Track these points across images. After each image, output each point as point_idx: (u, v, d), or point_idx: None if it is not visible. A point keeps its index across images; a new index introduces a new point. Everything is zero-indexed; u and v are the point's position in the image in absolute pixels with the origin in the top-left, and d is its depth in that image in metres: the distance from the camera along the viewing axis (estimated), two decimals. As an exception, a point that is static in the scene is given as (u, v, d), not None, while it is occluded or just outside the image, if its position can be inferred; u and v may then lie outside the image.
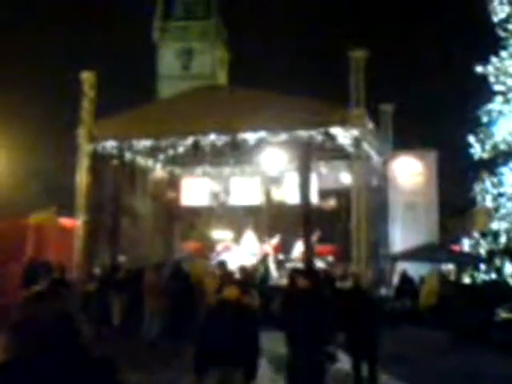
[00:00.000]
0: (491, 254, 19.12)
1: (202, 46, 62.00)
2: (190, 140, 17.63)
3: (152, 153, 19.39)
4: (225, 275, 13.07)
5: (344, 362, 9.68)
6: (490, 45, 20.74)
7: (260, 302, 10.72)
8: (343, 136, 16.79)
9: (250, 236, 21.10)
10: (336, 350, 8.71)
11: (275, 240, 20.65)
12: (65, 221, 20.00)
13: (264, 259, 19.48)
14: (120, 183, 19.77)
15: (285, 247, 20.83)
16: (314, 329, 7.77)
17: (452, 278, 19.94)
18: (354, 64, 16.66)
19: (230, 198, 23.06)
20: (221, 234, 23.15)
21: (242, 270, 13.88)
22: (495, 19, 20.49)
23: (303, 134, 16.92)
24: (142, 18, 65.13)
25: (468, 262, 19.63)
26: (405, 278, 19.13)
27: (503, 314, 15.08)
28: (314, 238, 18.42)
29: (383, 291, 18.45)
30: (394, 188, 22.00)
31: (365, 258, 16.18)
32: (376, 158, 20.11)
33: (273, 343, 9.66)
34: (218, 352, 6.13)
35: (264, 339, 7.26)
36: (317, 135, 16.92)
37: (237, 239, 21.81)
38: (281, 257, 20.40)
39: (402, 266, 19.98)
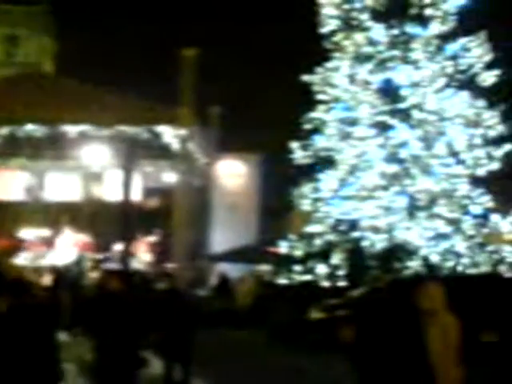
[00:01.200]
0: (306, 256, 19.85)
1: (28, 32, 58.94)
2: (5, 130, 16.56)
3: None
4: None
5: (156, 366, 9.48)
6: (316, 55, 21.50)
7: (71, 304, 10.21)
8: (169, 135, 16.62)
9: (66, 234, 20.15)
10: (149, 353, 8.48)
11: (84, 237, 19.79)
12: None
13: (80, 259, 18.69)
14: None
15: (103, 246, 20.12)
16: (125, 333, 7.47)
17: (268, 278, 20.49)
18: (185, 63, 16.54)
19: (46, 194, 21.90)
20: (33, 232, 21.77)
21: (52, 271, 13.19)
22: (323, 31, 21.29)
23: (128, 130, 16.53)
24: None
25: (284, 263, 20.22)
26: (222, 279, 19.34)
27: (315, 314, 15.65)
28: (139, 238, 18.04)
29: (201, 292, 18.49)
30: (217, 189, 22.23)
31: (184, 258, 16.11)
32: (201, 159, 20.14)
33: (81, 349, 9.23)
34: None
35: (72, 344, 6.85)
36: (142, 132, 16.60)
37: (52, 237, 20.70)
38: (99, 256, 19.67)
39: (220, 266, 20.20)
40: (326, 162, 21.03)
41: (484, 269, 18.60)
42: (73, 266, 18.24)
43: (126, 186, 16.96)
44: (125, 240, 16.89)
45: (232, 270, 19.97)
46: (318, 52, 21.38)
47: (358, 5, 20.92)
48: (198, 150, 18.81)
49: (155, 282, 15.92)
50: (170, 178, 19.77)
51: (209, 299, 18.55)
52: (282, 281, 19.61)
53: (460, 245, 19.17)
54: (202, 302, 17.19)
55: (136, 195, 18.95)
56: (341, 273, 18.80)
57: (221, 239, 21.67)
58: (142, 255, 19.96)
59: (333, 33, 21.15)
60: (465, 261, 18.81)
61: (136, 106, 16.51)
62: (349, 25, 21.06)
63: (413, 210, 19.53)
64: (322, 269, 19.04)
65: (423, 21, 20.75)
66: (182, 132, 16.30)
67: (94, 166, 20.58)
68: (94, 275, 18.60)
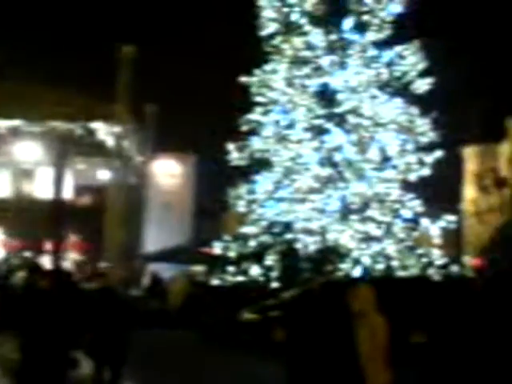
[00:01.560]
0: (240, 258, 19.86)
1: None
2: None
3: None
4: None
5: (87, 367, 9.29)
6: (255, 57, 21.54)
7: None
8: (104, 132, 16.38)
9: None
10: (79, 354, 8.30)
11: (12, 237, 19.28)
12: None
13: (8, 258, 18.21)
14: None
15: (33, 244, 19.66)
16: (53, 332, 7.29)
17: (201, 279, 20.39)
18: (122, 60, 16.33)
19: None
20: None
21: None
22: (262, 33, 21.37)
23: (62, 126, 16.23)
24: None
25: (217, 264, 20.19)
26: (155, 279, 19.14)
27: (248, 315, 15.66)
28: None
29: (134, 292, 18.25)
30: (152, 188, 22.00)
31: (117, 257, 15.88)
32: (136, 157, 19.92)
33: (6, 348, 8.97)
34: None
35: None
36: (76, 129, 16.29)
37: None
38: (28, 255, 19.20)
39: (153, 266, 19.98)
40: (262, 163, 21.10)
41: (413, 271, 19.04)
42: (0, 265, 17.77)
43: (58, 183, 16.61)
44: (55, 238, 16.52)
45: (165, 269, 19.78)
46: (257, 54, 21.44)
47: (297, 9, 21.08)
48: (133, 148, 18.60)
49: (87, 281, 15.64)
50: (103, 175, 19.47)
51: (141, 299, 18.32)
52: (215, 282, 19.56)
53: (391, 248, 19.56)
54: (135, 302, 16.97)
55: (68, 193, 18.57)
56: (274, 274, 18.90)
57: (155, 239, 21.45)
58: (73, 254, 19.59)
59: (272, 36, 21.26)
60: (395, 263, 19.21)
61: (70, 101, 16.20)
62: (288, 28, 21.21)
63: (346, 213, 19.82)
64: (255, 270, 19.09)
65: (361, 27, 21.09)
66: (117, 129, 16.08)
67: (25, 162, 20.09)
68: (21, 274, 18.14)
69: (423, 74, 20.75)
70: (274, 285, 18.55)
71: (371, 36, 20.98)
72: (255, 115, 21.05)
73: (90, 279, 15.56)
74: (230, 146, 20.90)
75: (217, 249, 20.41)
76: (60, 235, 16.76)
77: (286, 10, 21.21)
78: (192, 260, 20.29)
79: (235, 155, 20.86)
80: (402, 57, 20.86)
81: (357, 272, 18.52)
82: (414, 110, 20.56)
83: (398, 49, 20.95)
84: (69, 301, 8.33)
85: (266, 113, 21.14)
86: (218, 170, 23.82)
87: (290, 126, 20.81)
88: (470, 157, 74.95)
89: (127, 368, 9.88)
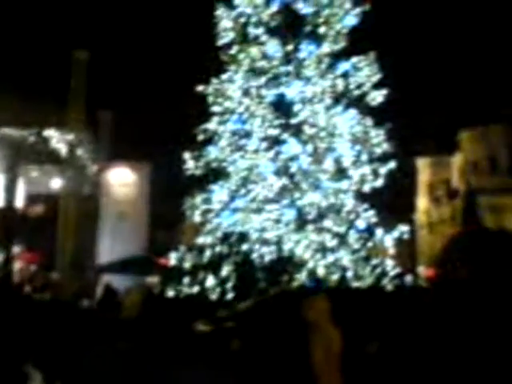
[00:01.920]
0: (195, 268, 19.73)
1: None
2: None
3: None
4: None
5: (37, 381, 9.05)
6: (211, 66, 21.55)
7: None
8: (58, 140, 16.09)
9: None
10: (29, 368, 8.08)
11: None
12: None
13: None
14: None
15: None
16: (3, 346, 7.08)
17: (156, 290, 20.15)
18: (76, 66, 16.10)
19: None
20: None
21: None
22: (219, 43, 21.42)
23: (13, 133, 15.87)
24: None
25: (172, 275, 20.00)
26: (108, 290, 18.84)
27: (203, 327, 15.52)
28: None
29: (86, 303, 17.94)
30: (107, 197, 21.72)
31: (69, 268, 15.59)
32: (90, 166, 19.63)
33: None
34: None
35: None
36: (29, 136, 15.97)
37: None
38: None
39: (107, 277, 19.69)
40: (218, 173, 21.06)
41: (368, 282, 19.19)
42: None
43: (9, 191, 16.24)
44: (5, 248, 16.14)
45: (120, 281, 19.51)
46: (214, 63, 21.46)
47: (253, 19, 21.18)
48: (87, 157, 18.33)
49: (38, 292, 15.31)
50: (57, 184, 19.14)
51: (94, 311, 18.00)
52: (171, 293, 19.37)
53: (345, 258, 19.69)
54: (87, 314, 16.66)
55: (19, 201, 18.18)
56: (229, 285, 18.82)
57: (109, 249, 21.16)
58: (24, 264, 19.17)
59: (229, 45, 21.31)
60: (349, 274, 19.33)
61: (23, 108, 15.87)
62: (244, 38, 21.28)
63: (301, 223, 19.89)
64: (210, 281, 18.97)
65: (317, 38, 21.28)
66: (71, 137, 15.83)
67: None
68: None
69: (378, 85, 21.03)
70: (230, 295, 18.47)
71: (327, 47, 21.19)
72: (211, 124, 21.02)
73: (42, 290, 15.24)
74: (186, 155, 20.80)
75: (172, 259, 20.24)
76: (11, 244, 16.36)
77: (242, 20, 21.29)
78: (147, 271, 20.07)
79: (191, 164, 20.77)
80: (357, 68, 21.10)
81: (312, 282, 18.57)
82: (369, 121, 20.81)
83: (354, 60, 21.20)
84: (19, 313, 8.11)
85: (222, 122, 21.13)
86: (173, 179, 23.65)
87: (247, 135, 20.83)
88: (423, 168, 76.47)
89: (79, 382, 9.69)
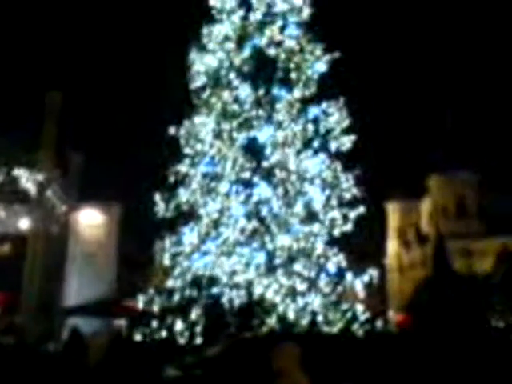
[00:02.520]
0: (164, 312, 19.49)
1: None
2: None
3: None
4: None
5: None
6: (184, 109, 21.70)
7: None
8: (27, 179, 15.95)
9: None
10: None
11: None
12: None
13: None
14: None
15: None
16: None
17: (124, 334, 19.82)
18: (49, 107, 16.09)
19: None
20: None
21: None
22: (192, 87, 21.64)
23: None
24: None
25: (141, 318, 19.73)
26: (74, 333, 18.44)
27: (171, 372, 15.26)
28: None
29: (51, 347, 17.55)
30: (75, 239, 21.47)
31: (35, 310, 15.28)
32: (59, 206, 19.45)
33: None
34: None
35: None
36: (-3, 176, 15.81)
37: None
38: None
39: (74, 320, 19.33)
40: (189, 215, 20.99)
41: (338, 326, 19.10)
42: None
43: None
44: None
45: (86, 323, 19.16)
46: (186, 106, 21.61)
47: (226, 64, 21.44)
48: (56, 197, 18.16)
49: (1, 335, 14.93)
50: (25, 224, 18.89)
51: (59, 355, 17.60)
52: (138, 337, 19.07)
53: (316, 302, 19.62)
54: (52, 358, 16.29)
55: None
56: (198, 329, 18.58)
57: (77, 291, 20.84)
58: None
59: (201, 88, 21.51)
60: (320, 318, 19.24)
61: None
62: (217, 82, 21.50)
63: (271, 266, 19.82)
64: (179, 325, 18.73)
65: (288, 84, 21.59)
66: (40, 177, 15.70)
67: None
68: None
69: (347, 130, 21.31)
70: (199, 340, 18.23)
71: (298, 92, 21.49)
72: (183, 166, 21.04)
73: (5, 333, 14.87)
74: (157, 197, 20.73)
75: (140, 302, 19.97)
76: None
77: (215, 64, 21.55)
78: (114, 314, 19.74)
79: (162, 206, 20.68)
80: (326, 113, 21.40)
81: (281, 327, 18.43)
82: (339, 166, 21.01)
83: (323, 106, 21.51)
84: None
85: (193, 164, 21.16)
86: (143, 221, 23.52)
87: (218, 178, 20.87)
88: (393, 212, 77.01)
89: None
